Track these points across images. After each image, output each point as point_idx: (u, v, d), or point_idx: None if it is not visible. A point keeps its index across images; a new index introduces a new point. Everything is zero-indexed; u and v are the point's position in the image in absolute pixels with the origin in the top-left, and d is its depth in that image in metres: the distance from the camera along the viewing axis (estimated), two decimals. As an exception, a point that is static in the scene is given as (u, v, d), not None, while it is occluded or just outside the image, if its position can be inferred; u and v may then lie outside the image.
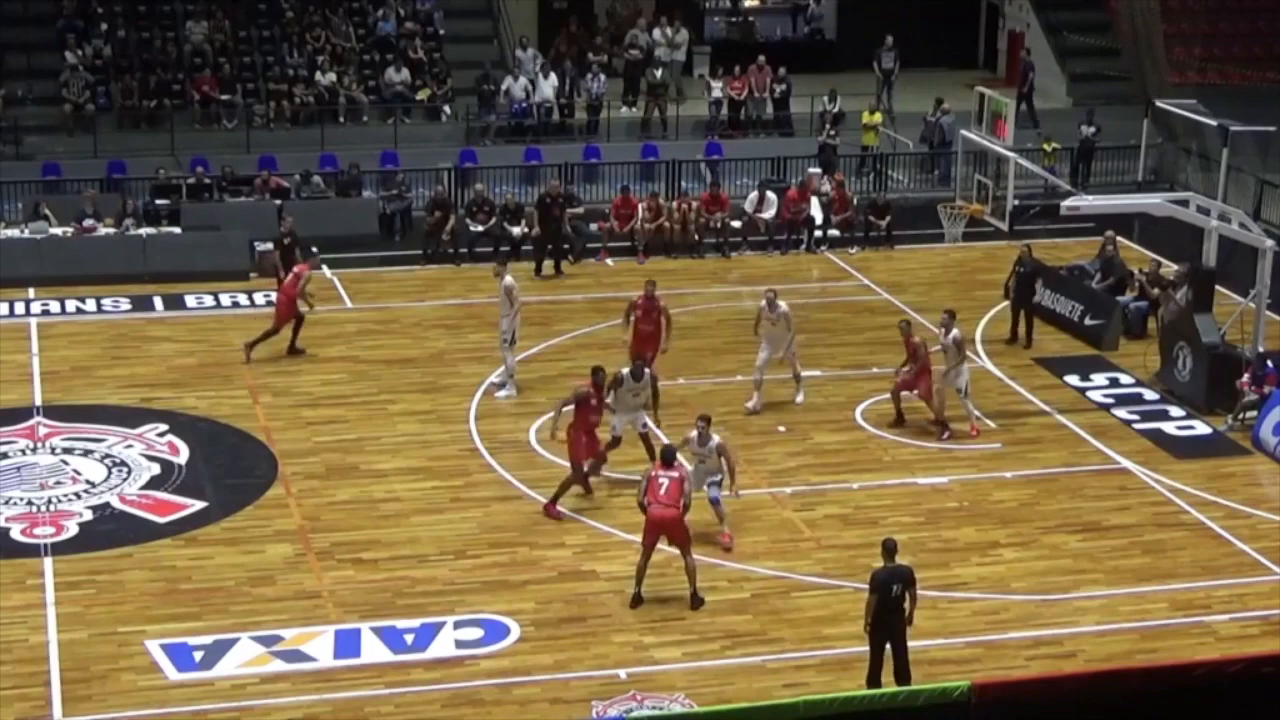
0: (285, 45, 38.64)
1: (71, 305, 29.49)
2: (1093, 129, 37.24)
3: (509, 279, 25.66)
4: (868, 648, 17.70)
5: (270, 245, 29.68)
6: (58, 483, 22.58)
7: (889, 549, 17.91)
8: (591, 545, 21.09)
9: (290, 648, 18.64)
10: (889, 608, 17.55)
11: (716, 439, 21.15)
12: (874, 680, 17.58)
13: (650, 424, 23.04)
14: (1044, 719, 17.27)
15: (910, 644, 18.76)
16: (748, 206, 33.58)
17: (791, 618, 19.48)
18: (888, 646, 17.67)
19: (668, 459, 19.84)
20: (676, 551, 19.59)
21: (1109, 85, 41.13)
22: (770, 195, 33.63)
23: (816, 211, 33.65)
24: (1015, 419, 25.25)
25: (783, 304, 25.15)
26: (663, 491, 19.39)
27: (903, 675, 17.65)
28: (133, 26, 38.64)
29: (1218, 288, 26.57)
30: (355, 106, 37.85)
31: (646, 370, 23.13)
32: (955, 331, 24.50)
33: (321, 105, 37.50)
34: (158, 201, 32.29)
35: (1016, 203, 26.56)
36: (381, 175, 34.88)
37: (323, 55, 38.25)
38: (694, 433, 21.13)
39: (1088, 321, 28.58)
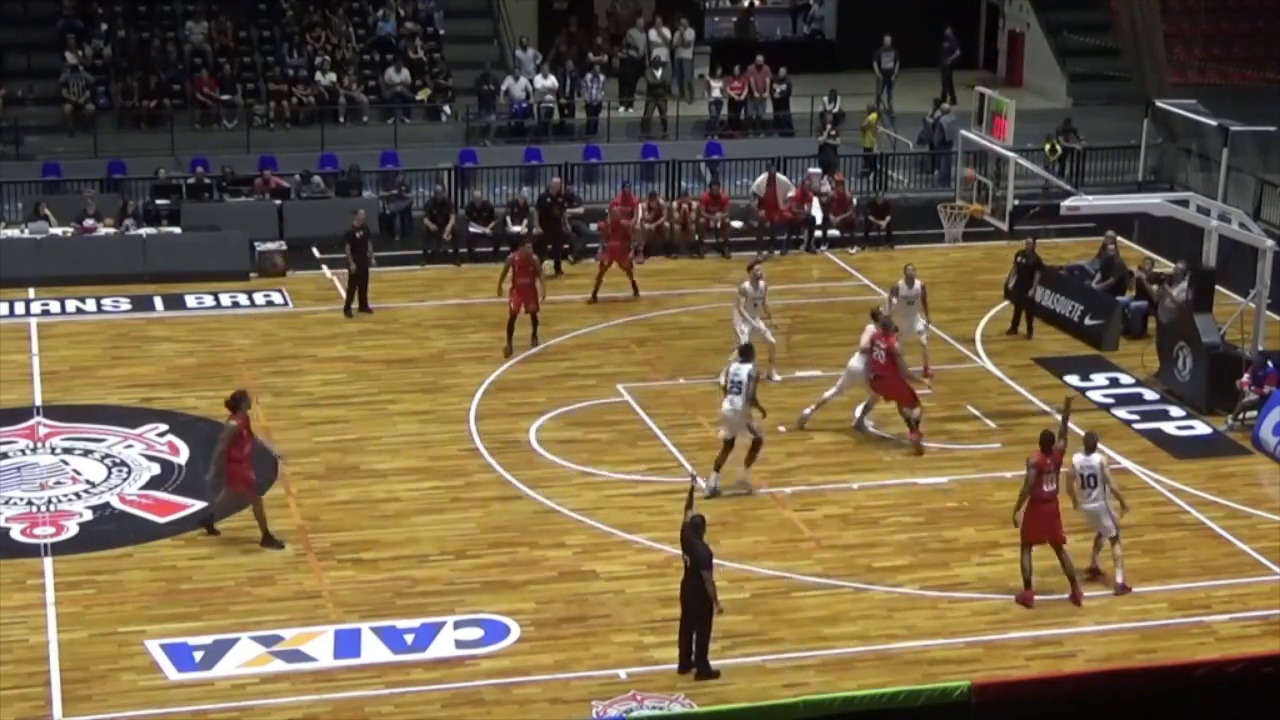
0: (285, 45, 38.62)
1: (71, 305, 29.47)
2: (1061, 138, 37.21)
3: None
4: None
5: (345, 247, 29.32)
6: (58, 483, 22.56)
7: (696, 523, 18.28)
8: (591, 545, 21.08)
9: (290, 648, 18.62)
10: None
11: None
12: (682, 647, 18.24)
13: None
14: (1044, 719, 17.30)
15: (910, 644, 18.80)
16: (756, 189, 33.43)
17: (791, 618, 19.46)
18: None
19: None
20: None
21: (1109, 85, 41.09)
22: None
23: (817, 211, 33.65)
24: (1015, 419, 25.22)
25: (919, 281, 26.12)
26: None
27: (701, 659, 18.18)
28: (133, 26, 38.61)
29: (1218, 288, 26.57)
30: (355, 106, 37.83)
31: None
32: (918, 283, 26.02)
33: (321, 105, 37.47)
34: (158, 201, 32.27)
35: (1016, 203, 26.53)
36: (381, 175, 34.86)
37: (323, 55, 38.24)
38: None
39: (1088, 321, 28.55)
